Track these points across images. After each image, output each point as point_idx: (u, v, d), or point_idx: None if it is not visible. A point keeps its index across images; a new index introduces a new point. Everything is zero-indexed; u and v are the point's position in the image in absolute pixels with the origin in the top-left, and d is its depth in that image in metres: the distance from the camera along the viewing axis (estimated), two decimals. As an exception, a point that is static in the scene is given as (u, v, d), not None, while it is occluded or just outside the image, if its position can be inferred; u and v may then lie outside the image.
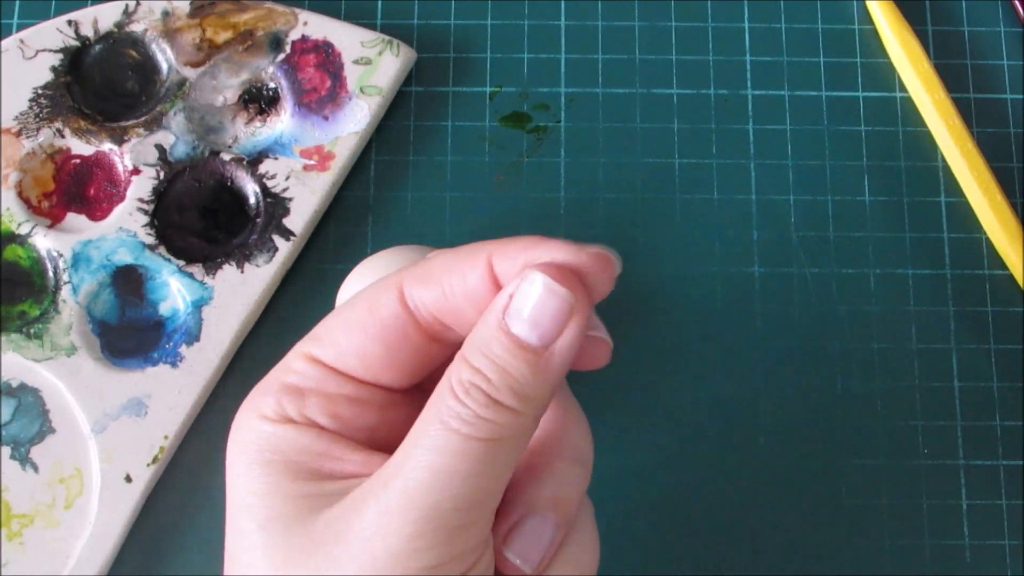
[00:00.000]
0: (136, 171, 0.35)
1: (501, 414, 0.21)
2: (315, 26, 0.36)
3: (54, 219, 0.35)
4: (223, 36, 0.36)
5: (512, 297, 0.22)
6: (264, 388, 0.24)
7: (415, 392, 0.26)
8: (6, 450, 0.33)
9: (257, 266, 0.35)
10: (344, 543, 0.21)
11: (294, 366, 0.24)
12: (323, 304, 0.35)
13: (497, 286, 0.23)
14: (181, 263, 0.35)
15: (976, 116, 0.38)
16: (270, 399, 0.23)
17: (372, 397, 0.24)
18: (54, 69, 0.36)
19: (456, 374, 0.22)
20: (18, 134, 0.35)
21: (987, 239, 0.37)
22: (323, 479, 0.22)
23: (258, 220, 0.35)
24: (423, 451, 0.21)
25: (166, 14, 0.36)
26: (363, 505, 0.21)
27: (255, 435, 0.23)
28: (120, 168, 0.36)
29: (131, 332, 0.35)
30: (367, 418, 0.24)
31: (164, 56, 0.36)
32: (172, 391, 0.34)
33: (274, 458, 0.22)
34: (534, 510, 0.23)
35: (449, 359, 0.26)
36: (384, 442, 0.24)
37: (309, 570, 0.21)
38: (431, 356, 0.25)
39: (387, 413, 0.24)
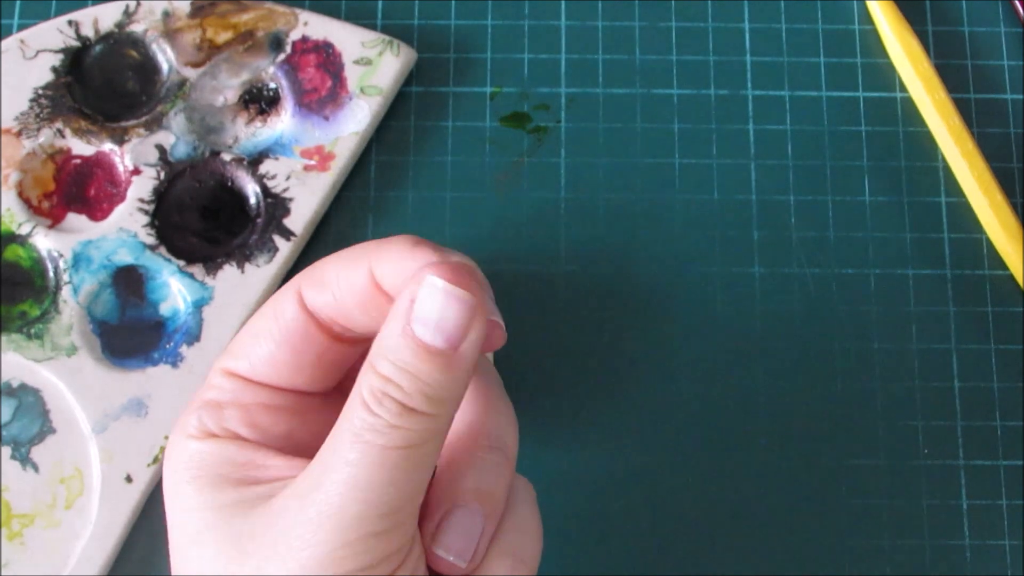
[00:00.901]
0: (136, 171, 0.35)
1: (415, 420, 0.21)
2: (315, 26, 0.36)
3: (54, 219, 0.35)
4: (223, 36, 0.36)
5: (413, 302, 0.21)
6: (188, 407, 0.24)
7: (335, 394, 0.26)
8: (6, 450, 0.34)
9: (257, 266, 0.35)
10: (273, 554, 0.21)
11: (213, 382, 0.24)
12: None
13: (380, 289, 0.23)
14: (181, 263, 0.35)
15: (976, 116, 0.38)
16: (192, 417, 0.24)
17: (289, 403, 0.24)
18: (54, 69, 0.36)
19: (366, 384, 0.21)
20: (18, 134, 0.35)
21: (987, 239, 0.37)
22: (249, 485, 0.23)
23: (258, 220, 0.35)
24: (341, 465, 0.21)
25: (166, 14, 0.36)
26: (288, 516, 0.21)
27: (180, 453, 0.23)
28: (120, 168, 0.36)
29: (131, 332, 0.35)
30: (287, 424, 0.24)
31: (164, 56, 0.36)
32: (172, 391, 0.34)
33: (200, 473, 0.23)
34: (459, 503, 0.23)
35: (360, 358, 0.26)
36: (308, 446, 0.24)
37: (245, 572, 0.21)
38: (340, 357, 0.25)
39: (307, 417, 0.24)
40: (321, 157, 0.36)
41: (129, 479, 0.33)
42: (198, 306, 0.34)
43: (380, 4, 0.38)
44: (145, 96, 0.37)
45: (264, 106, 0.37)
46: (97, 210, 0.35)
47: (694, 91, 0.38)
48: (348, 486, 0.21)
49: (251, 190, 0.36)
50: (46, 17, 0.37)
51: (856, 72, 0.38)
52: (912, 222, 0.37)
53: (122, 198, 0.35)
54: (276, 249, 0.35)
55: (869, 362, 0.36)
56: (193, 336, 0.34)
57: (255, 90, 0.37)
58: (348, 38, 0.36)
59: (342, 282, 0.23)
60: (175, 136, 0.36)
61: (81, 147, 0.36)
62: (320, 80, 0.36)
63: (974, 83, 0.38)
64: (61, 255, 0.34)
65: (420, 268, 0.22)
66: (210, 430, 0.23)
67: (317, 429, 0.24)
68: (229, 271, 0.35)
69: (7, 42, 0.36)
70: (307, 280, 0.24)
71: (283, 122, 0.36)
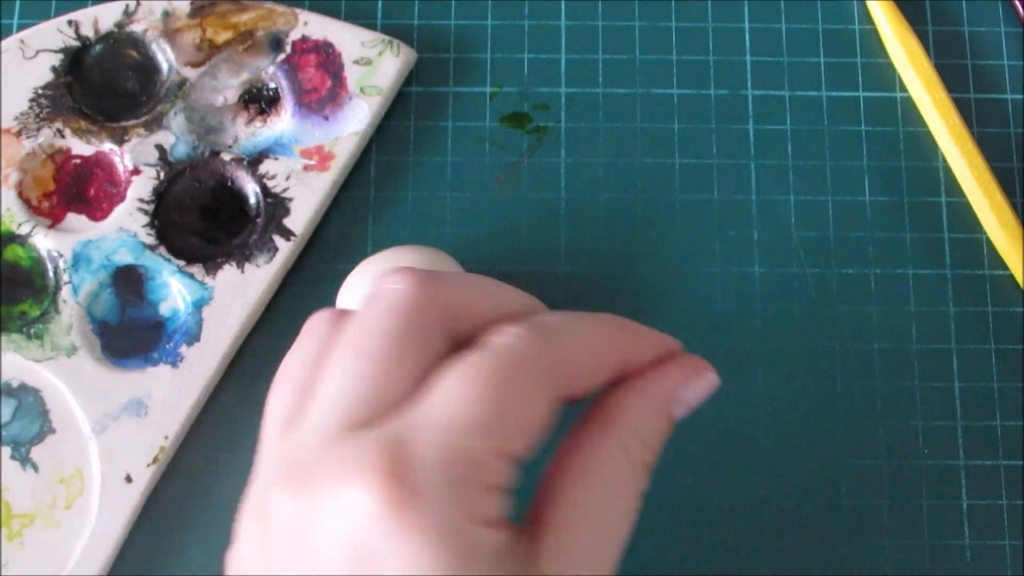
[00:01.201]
0: (136, 171, 0.35)
1: (650, 477, 0.25)
2: (315, 26, 0.36)
3: (54, 219, 0.35)
4: (223, 36, 0.36)
5: (679, 388, 0.25)
6: (459, 487, 0.22)
7: None
8: (6, 450, 0.34)
9: (257, 266, 0.35)
10: None
11: (486, 462, 0.23)
12: (323, 304, 0.35)
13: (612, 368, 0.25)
14: (181, 263, 0.35)
15: (976, 116, 0.38)
16: (483, 499, 0.23)
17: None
18: (54, 69, 0.36)
19: (632, 454, 0.24)
20: (18, 134, 0.35)
21: (987, 239, 0.37)
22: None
23: (258, 220, 0.35)
24: (613, 526, 0.24)
25: (166, 14, 0.36)
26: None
27: (479, 540, 0.22)
28: (120, 168, 0.36)
29: (131, 332, 0.35)
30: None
31: (164, 56, 0.36)
32: (172, 391, 0.34)
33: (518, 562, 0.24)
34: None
35: None
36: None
37: None
38: None
39: None
40: (321, 157, 0.36)
41: (129, 479, 0.33)
42: (198, 306, 0.34)
43: (380, 4, 0.38)
44: (145, 96, 0.37)
45: (264, 106, 0.37)
46: (97, 210, 0.35)
47: (694, 91, 0.38)
48: (615, 547, 0.23)
49: (251, 190, 0.36)
50: (46, 17, 0.37)
51: (856, 72, 0.38)
52: (912, 222, 0.37)
53: (122, 198, 0.35)
54: (276, 249, 0.35)
55: (869, 362, 0.36)
56: (193, 336, 0.34)
57: (255, 90, 0.37)
58: (348, 38, 0.36)
59: (598, 376, 0.25)
60: (175, 136, 0.36)
61: (81, 147, 0.36)
62: (320, 80, 0.36)
63: (974, 83, 0.38)
64: (61, 255, 0.34)
65: (690, 360, 0.25)
66: (504, 519, 0.23)
67: None
68: (229, 271, 0.35)
69: (7, 42, 0.36)
70: (561, 379, 0.24)
71: (283, 122, 0.36)
